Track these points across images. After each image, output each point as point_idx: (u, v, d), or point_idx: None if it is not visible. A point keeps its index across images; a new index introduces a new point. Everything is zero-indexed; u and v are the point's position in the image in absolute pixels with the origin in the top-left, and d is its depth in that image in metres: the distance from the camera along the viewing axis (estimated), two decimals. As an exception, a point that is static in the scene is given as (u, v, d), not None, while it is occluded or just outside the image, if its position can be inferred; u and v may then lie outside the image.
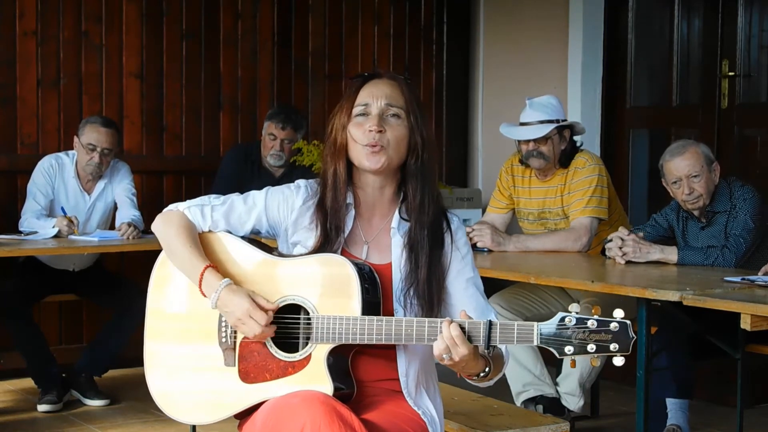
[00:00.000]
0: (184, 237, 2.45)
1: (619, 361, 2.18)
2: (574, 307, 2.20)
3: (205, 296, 2.41)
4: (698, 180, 4.04)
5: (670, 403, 4.04)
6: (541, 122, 4.44)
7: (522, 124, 4.51)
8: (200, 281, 2.40)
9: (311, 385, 2.31)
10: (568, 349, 2.18)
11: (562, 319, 2.20)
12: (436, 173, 2.50)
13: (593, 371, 4.44)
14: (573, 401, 4.44)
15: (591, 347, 2.17)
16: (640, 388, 3.48)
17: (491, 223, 4.54)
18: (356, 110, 2.44)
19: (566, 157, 4.50)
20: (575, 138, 4.57)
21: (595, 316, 2.18)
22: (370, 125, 2.40)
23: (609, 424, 4.78)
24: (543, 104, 4.50)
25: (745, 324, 3.00)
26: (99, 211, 5.16)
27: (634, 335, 2.18)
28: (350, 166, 2.46)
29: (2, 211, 5.44)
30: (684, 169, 4.04)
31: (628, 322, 2.18)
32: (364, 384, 2.42)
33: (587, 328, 2.18)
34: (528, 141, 4.45)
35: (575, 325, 2.19)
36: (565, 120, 4.52)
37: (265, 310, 2.34)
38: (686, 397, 4.05)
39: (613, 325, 2.17)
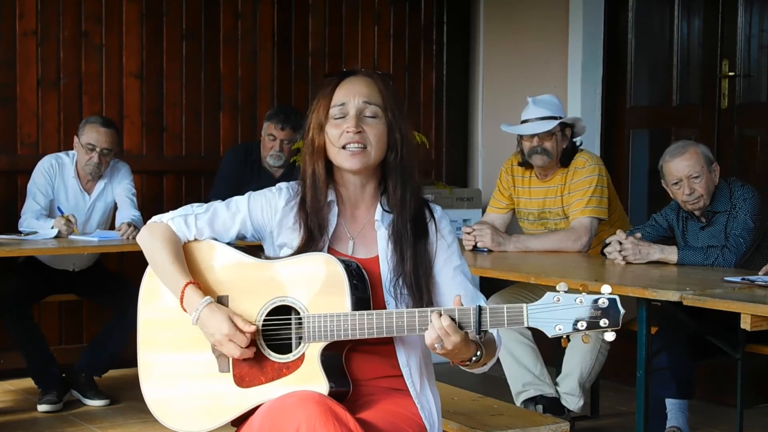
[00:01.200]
0: (167, 251, 2.45)
1: (609, 336, 2.18)
2: (562, 286, 2.21)
3: (186, 312, 2.42)
4: (698, 181, 4.04)
5: (670, 403, 4.04)
6: (545, 118, 4.44)
7: (524, 121, 4.51)
8: (181, 298, 2.41)
9: (306, 384, 2.31)
10: (559, 328, 2.19)
11: (551, 298, 2.20)
12: (415, 167, 2.50)
13: (593, 371, 4.43)
14: (573, 401, 4.44)
15: (581, 324, 2.18)
16: (640, 388, 3.48)
17: (491, 223, 4.54)
18: (333, 111, 2.43)
19: (566, 156, 4.50)
20: (575, 139, 4.57)
21: (583, 294, 2.19)
22: (348, 126, 2.40)
23: (609, 424, 4.78)
24: (546, 102, 4.51)
25: (745, 324, 3.00)
26: (99, 211, 5.16)
27: (623, 309, 2.18)
28: (330, 164, 2.47)
29: (2, 211, 5.44)
30: (684, 170, 4.04)
31: (617, 297, 2.18)
32: (362, 383, 2.42)
33: (576, 305, 2.18)
34: (532, 137, 4.45)
35: (564, 303, 2.19)
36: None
37: (245, 333, 2.35)
38: (686, 397, 4.05)
39: (602, 301, 2.18)
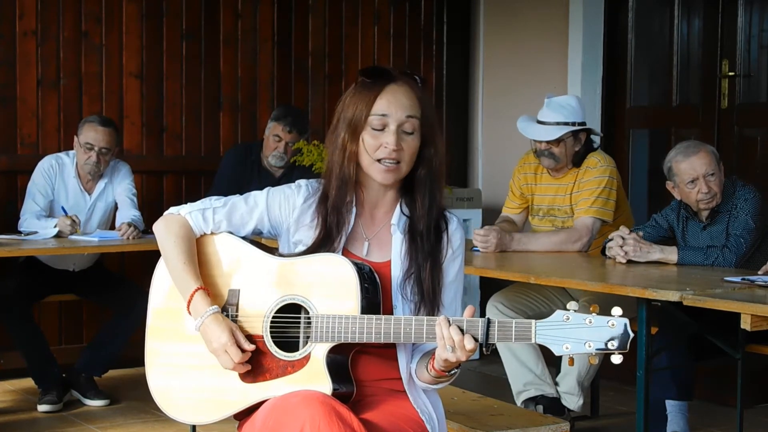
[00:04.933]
0: (180, 251, 2.45)
1: (617, 359, 2.18)
2: (572, 305, 2.20)
3: (191, 315, 2.42)
4: (714, 178, 4.04)
5: (670, 405, 4.03)
6: (560, 124, 4.42)
7: (539, 122, 4.50)
8: (189, 302, 2.42)
9: (310, 384, 2.31)
10: (566, 347, 2.18)
11: (561, 316, 2.20)
12: (443, 180, 2.49)
13: (591, 369, 4.43)
14: (572, 400, 4.44)
15: (589, 345, 2.17)
16: (640, 388, 3.48)
17: (507, 221, 4.54)
18: (373, 119, 2.40)
19: (579, 157, 4.49)
20: (593, 138, 4.56)
21: (593, 314, 2.18)
22: (387, 142, 2.38)
23: (609, 424, 4.78)
24: (561, 105, 4.46)
25: (745, 324, 3.00)
26: (99, 211, 5.16)
27: (632, 333, 2.18)
28: (357, 166, 2.46)
29: (2, 211, 5.44)
30: (701, 168, 4.04)
31: (626, 320, 2.18)
32: (365, 384, 2.43)
33: (585, 326, 2.18)
34: (541, 140, 4.44)
35: (573, 322, 2.19)
36: (584, 123, 4.48)
37: (242, 349, 2.36)
38: (686, 398, 4.04)
39: (611, 323, 2.17)
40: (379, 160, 2.40)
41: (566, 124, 4.41)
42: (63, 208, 5.01)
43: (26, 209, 5.01)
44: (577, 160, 4.49)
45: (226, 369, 2.38)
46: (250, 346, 2.37)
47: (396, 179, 2.43)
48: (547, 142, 4.42)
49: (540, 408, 4.39)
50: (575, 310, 2.20)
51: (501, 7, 6.55)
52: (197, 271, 2.45)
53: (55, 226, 4.81)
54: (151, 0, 5.86)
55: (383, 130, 2.40)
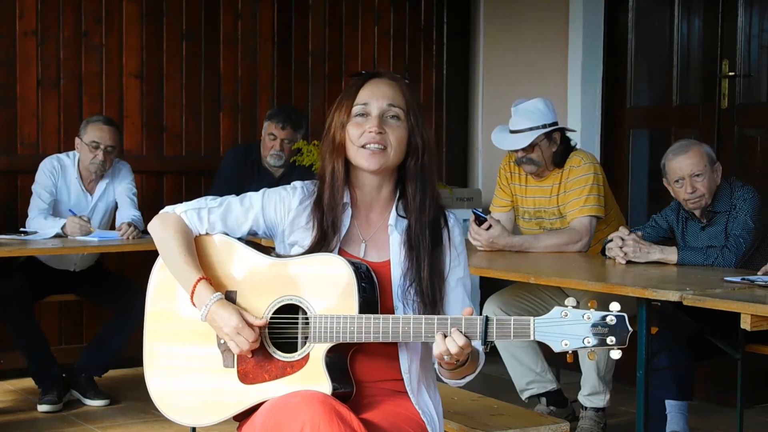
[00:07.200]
0: (179, 244, 2.45)
1: (615, 354, 2.18)
2: (570, 301, 2.21)
3: (195, 307, 2.42)
4: (701, 179, 4.04)
5: (669, 405, 4.03)
6: (531, 129, 4.43)
7: (511, 131, 4.52)
8: (192, 293, 2.41)
9: (310, 384, 2.32)
10: (565, 343, 2.19)
11: (559, 313, 2.20)
12: (435, 173, 2.50)
13: (609, 362, 4.37)
14: (600, 398, 4.41)
15: (588, 341, 2.18)
16: (640, 389, 3.48)
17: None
18: (356, 109, 2.44)
19: (560, 157, 4.50)
20: (569, 136, 4.56)
21: (591, 310, 2.19)
22: (370, 126, 2.41)
23: (609, 424, 4.78)
24: (529, 110, 4.45)
25: (745, 324, 3.00)
26: (101, 212, 5.17)
27: (630, 328, 2.18)
28: (348, 164, 2.47)
29: (2, 211, 5.44)
30: (687, 168, 4.04)
31: (625, 315, 2.18)
32: (365, 384, 2.43)
33: (583, 321, 2.18)
34: (515, 149, 4.47)
35: (571, 319, 2.19)
36: (555, 123, 4.48)
37: (254, 327, 2.36)
38: (686, 398, 4.04)
39: (610, 318, 2.18)
40: (363, 147, 2.41)
41: (537, 128, 4.42)
42: (71, 210, 5.01)
43: (33, 206, 5.00)
44: (559, 161, 4.50)
45: (240, 352, 2.37)
46: (260, 322, 2.37)
47: (382, 165, 2.42)
48: (522, 149, 4.43)
49: (544, 400, 4.53)
50: (573, 306, 2.20)
51: (501, 7, 6.55)
52: (198, 263, 2.45)
53: (63, 227, 4.81)
54: (151, 0, 5.86)
55: (366, 117, 2.42)
